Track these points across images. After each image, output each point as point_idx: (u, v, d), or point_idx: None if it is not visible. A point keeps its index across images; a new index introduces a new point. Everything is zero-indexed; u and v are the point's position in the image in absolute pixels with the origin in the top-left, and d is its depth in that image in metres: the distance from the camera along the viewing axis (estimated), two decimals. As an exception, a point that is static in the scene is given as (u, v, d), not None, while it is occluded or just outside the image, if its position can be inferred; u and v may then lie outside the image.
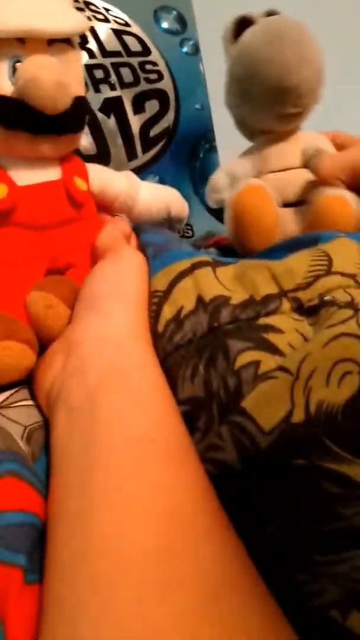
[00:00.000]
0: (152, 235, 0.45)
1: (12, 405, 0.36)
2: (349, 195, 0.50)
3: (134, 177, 0.51)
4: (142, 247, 0.43)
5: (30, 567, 0.25)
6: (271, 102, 0.54)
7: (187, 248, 0.45)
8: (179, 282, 0.37)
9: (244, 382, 0.31)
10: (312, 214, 0.52)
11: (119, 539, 0.23)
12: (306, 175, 0.56)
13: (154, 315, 0.36)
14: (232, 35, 0.58)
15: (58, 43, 0.42)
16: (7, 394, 0.36)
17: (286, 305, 0.35)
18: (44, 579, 0.25)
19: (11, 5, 0.40)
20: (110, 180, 0.49)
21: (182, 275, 0.37)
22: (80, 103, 0.43)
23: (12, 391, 0.37)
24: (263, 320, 0.34)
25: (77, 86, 0.43)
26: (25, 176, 0.43)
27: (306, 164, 0.56)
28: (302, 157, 0.57)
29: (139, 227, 0.47)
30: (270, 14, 0.58)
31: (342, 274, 0.35)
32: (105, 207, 0.49)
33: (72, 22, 0.43)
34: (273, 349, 0.32)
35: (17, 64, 0.40)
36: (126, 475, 0.26)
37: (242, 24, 0.57)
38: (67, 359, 0.34)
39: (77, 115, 0.43)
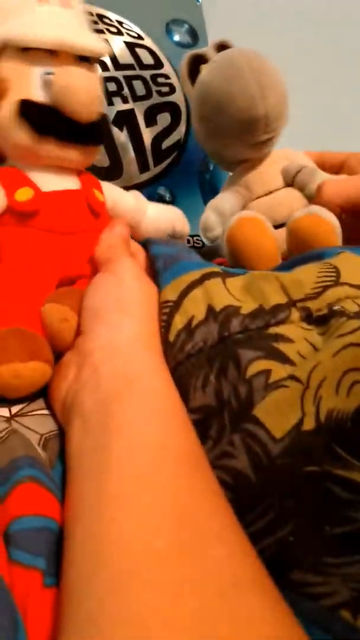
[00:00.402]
0: (162, 247, 0.45)
1: (28, 414, 0.36)
2: (325, 213, 0.50)
3: (141, 197, 0.53)
4: (152, 260, 0.44)
5: (49, 570, 0.26)
6: (242, 133, 0.54)
7: (197, 258, 0.46)
8: (190, 293, 0.38)
9: (255, 391, 0.32)
10: (290, 236, 0.52)
11: (133, 541, 0.24)
12: (291, 195, 0.56)
13: (165, 325, 0.37)
14: (188, 76, 0.58)
15: (84, 62, 0.44)
16: (21, 405, 0.37)
17: (295, 314, 0.35)
18: (62, 582, 0.25)
19: (46, 18, 0.42)
20: (120, 196, 0.51)
21: (192, 286, 0.38)
22: (104, 118, 0.45)
23: (27, 402, 0.38)
24: (273, 330, 0.34)
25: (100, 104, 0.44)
26: (48, 183, 0.44)
27: (290, 182, 0.56)
28: (285, 176, 0.57)
29: (149, 241, 0.47)
30: (221, 46, 0.58)
31: (350, 285, 0.36)
32: (116, 215, 0.50)
33: (100, 43, 0.45)
34: (283, 358, 0.33)
35: (47, 76, 0.41)
36: (138, 481, 0.26)
37: (196, 62, 0.58)
38: (79, 369, 0.35)
39: (102, 128, 0.44)
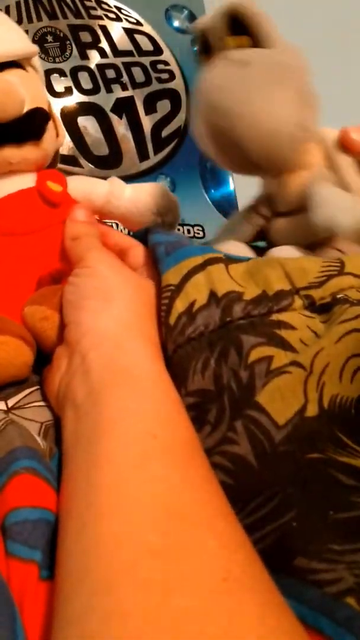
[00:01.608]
0: (162, 236, 0.44)
1: (27, 406, 0.36)
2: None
3: (118, 181, 0.51)
4: (152, 248, 0.43)
5: (45, 563, 0.26)
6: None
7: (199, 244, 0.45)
8: (192, 277, 0.37)
9: (256, 376, 0.31)
10: None
11: (123, 538, 0.23)
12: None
13: (166, 308, 0.36)
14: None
15: (8, 68, 0.43)
16: (20, 395, 0.37)
17: (298, 302, 0.35)
18: (56, 576, 0.25)
19: None
20: (92, 185, 0.49)
21: (194, 271, 0.37)
22: (35, 113, 0.44)
23: (26, 393, 0.37)
24: (276, 317, 0.34)
25: (33, 101, 0.44)
26: (2, 188, 0.44)
27: None
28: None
29: (148, 229, 0.46)
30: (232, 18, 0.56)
31: (354, 275, 0.35)
32: (95, 211, 0.49)
33: (17, 45, 0.45)
34: (285, 345, 0.32)
35: None
36: (129, 472, 0.26)
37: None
38: (69, 359, 0.35)
39: (30, 123, 0.43)
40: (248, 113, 0.45)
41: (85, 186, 0.48)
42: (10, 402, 0.36)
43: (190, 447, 0.29)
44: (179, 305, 0.36)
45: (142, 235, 0.47)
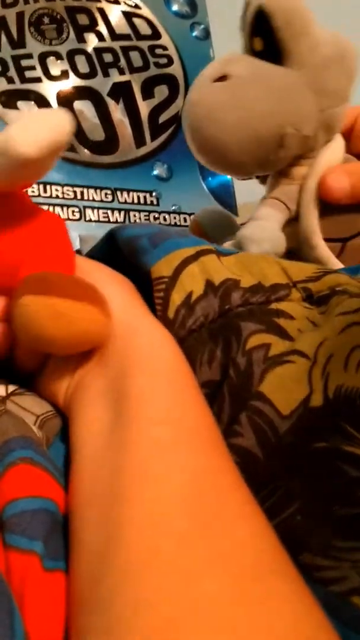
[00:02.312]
0: (138, 229, 0.42)
1: (26, 393, 0.35)
2: None
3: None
4: (130, 242, 0.41)
5: (48, 553, 0.25)
6: None
7: (185, 235, 0.43)
8: (185, 268, 0.36)
9: (254, 362, 0.31)
10: None
11: (153, 523, 0.23)
12: None
13: (162, 302, 0.35)
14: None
15: None
16: (18, 384, 0.36)
17: (296, 294, 0.35)
18: (73, 563, 0.24)
19: None
20: None
21: (187, 261, 0.37)
22: None
23: (21, 382, 0.36)
24: (275, 305, 0.34)
25: None
26: None
27: None
28: None
29: (115, 230, 0.44)
30: None
31: (350, 277, 0.36)
32: None
33: None
34: (284, 334, 0.32)
35: None
36: (157, 458, 0.26)
37: None
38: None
39: None
40: (204, 134, 0.46)
41: None
42: (11, 388, 0.35)
43: (213, 433, 0.28)
44: (176, 298, 0.35)
45: (102, 244, 0.44)
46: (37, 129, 0.30)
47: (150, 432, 0.27)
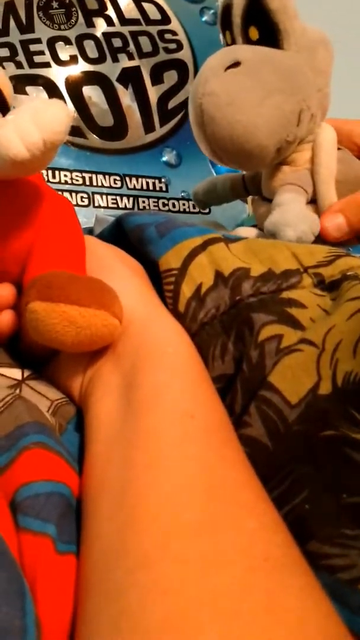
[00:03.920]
0: (147, 217, 0.42)
1: (41, 377, 0.35)
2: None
3: None
4: (137, 231, 0.41)
5: (61, 536, 0.25)
6: None
7: (192, 223, 0.43)
8: (194, 259, 0.36)
9: (267, 355, 0.31)
10: None
11: (163, 514, 0.23)
12: None
13: (173, 295, 0.35)
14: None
15: None
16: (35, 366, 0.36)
17: (307, 280, 0.34)
18: (85, 551, 0.25)
19: None
20: None
21: (195, 252, 0.36)
22: None
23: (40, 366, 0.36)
24: (286, 294, 0.33)
25: None
26: None
27: None
28: None
29: (123, 217, 0.43)
30: None
31: None
32: None
33: None
34: (296, 324, 0.32)
35: None
36: (168, 451, 0.26)
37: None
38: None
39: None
40: (227, 122, 0.45)
41: None
42: (27, 371, 0.35)
43: (226, 428, 0.28)
44: (186, 291, 0.35)
45: (111, 228, 0.44)
46: (29, 129, 0.29)
47: (162, 425, 0.27)
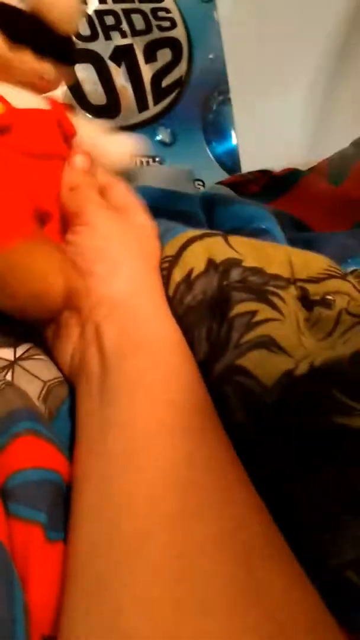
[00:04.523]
0: (164, 221, 0.43)
1: (34, 357, 0.35)
2: None
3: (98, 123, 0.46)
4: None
5: (51, 524, 0.25)
6: None
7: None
8: (189, 246, 0.36)
9: (234, 329, 0.31)
10: None
11: (143, 505, 0.23)
12: None
13: (165, 280, 0.36)
14: None
15: None
16: (27, 346, 0.36)
17: (292, 291, 0.35)
18: (70, 540, 0.25)
19: None
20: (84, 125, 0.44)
21: (192, 241, 0.37)
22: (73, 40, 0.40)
23: (31, 345, 0.36)
24: (272, 288, 0.34)
25: None
26: (19, 99, 0.39)
27: None
28: None
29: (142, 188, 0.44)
30: None
31: (355, 287, 0.36)
32: None
33: None
34: (274, 307, 0.32)
35: None
36: (146, 440, 0.26)
37: None
38: (81, 328, 0.34)
39: (75, 47, 0.40)
40: None
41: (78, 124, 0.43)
42: (19, 350, 0.35)
43: (207, 414, 0.28)
44: (177, 275, 0.35)
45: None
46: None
47: (141, 413, 0.27)
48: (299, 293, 0.34)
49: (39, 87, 0.40)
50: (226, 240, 0.37)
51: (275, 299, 0.33)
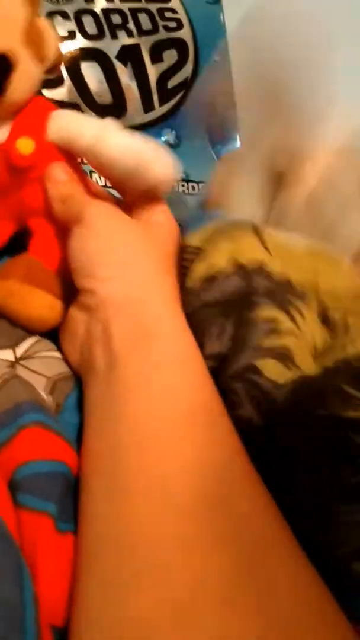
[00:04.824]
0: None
1: (35, 355, 0.35)
2: None
3: (111, 124, 0.44)
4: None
5: (61, 515, 0.25)
6: None
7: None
8: (216, 241, 0.36)
9: (255, 332, 0.32)
10: None
11: (155, 497, 0.23)
12: None
13: (186, 271, 0.35)
14: None
15: None
16: (28, 344, 0.36)
17: (314, 305, 0.34)
18: (82, 532, 0.25)
19: None
20: (80, 125, 0.44)
21: (220, 233, 0.36)
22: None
23: (33, 342, 0.36)
24: (293, 300, 0.34)
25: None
26: None
27: None
28: None
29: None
30: None
31: None
32: (79, 153, 0.44)
33: None
34: (292, 319, 0.32)
35: None
36: (155, 433, 0.26)
37: None
38: (88, 325, 0.34)
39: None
40: None
41: (69, 128, 0.43)
42: (19, 351, 0.35)
43: (213, 410, 0.29)
44: (199, 270, 0.35)
45: None
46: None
47: (149, 407, 0.27)
48: (319, 309, 0.34)
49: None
50: (257, 233, 0.36)
51: (295, 313, 0.33)
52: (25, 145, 0.40)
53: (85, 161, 0.46)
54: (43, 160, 0.42)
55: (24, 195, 0.40)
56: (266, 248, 0.35)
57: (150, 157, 0.43)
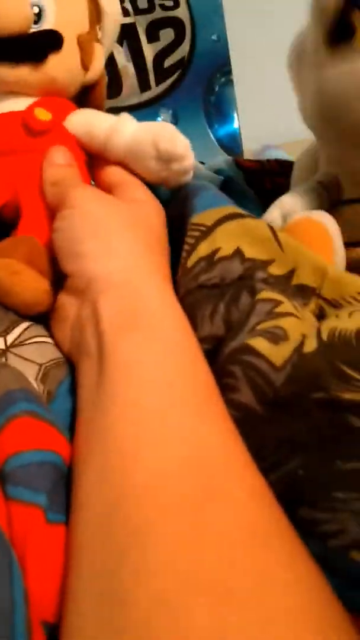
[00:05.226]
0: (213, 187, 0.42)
1: (26, 342, 0.35)
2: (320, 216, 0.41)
3: (126, 116, 0.45)
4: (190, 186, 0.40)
5: (51, 506, 0.25)
6: None
7: None
8: (225, 223, 0.35)
9: (254, 314, 0.31)
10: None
11: (150, 488, 0.23)
12: None
13: (189, 249, 0.35)
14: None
15: None
16: (19, 330, 0.35)
17: (312, 305, 0.33)
18: (73, 527, 0.24)
19: None
20: (96, 118, 0.45)
21: (231, 217, 0.35)
22: (39, 35, 0.40)
23: (24, 327, 0.36)
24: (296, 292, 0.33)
25: (60, 23, 0.41)
26: None
27: None
28: None
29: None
30: None
31: None
32: (97, 149, 0.45)
33: None
34: (294, 306, 0.32)
35: None
36: (147, 422, 0.25)
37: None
38: (78, 308, 0.34)
39: (29, 44, 0.40)
40: None
41: (88, 119, 0.44)
42: (10, 338, 0.35)
43: (209, 394, 0.28)
44: (202, 249, 0.34)
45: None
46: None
47: (140, 394, 0.27)
48: (315, 310, 0.33)
49: (17, 90, 0.42)
50: (271, 229, 0.35)
51: (296, 303, 0.32)
52: (43, 114, 0.42)
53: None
54: (53, 139, 0.42)
55: (28, 160, 0.41)
56: (277, 240, 0.34)
57: (167, 132, 0.43)
